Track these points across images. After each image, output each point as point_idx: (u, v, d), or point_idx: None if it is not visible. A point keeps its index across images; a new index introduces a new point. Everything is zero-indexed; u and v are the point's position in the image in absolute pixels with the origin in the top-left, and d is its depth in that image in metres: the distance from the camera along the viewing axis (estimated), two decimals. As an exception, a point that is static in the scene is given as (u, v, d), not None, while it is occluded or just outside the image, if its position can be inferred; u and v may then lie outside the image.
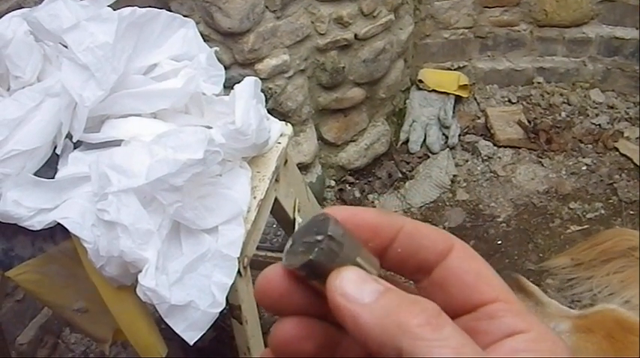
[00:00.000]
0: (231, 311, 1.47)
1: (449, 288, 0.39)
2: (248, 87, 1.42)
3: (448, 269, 0.39)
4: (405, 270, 0.41)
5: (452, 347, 0.32)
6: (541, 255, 2.87)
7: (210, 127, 1.41)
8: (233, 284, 1.32)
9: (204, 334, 1.30)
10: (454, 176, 3.29)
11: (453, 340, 0.33)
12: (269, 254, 2.00)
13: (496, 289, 0.38)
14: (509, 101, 3.63)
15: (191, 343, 1.28)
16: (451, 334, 0.33)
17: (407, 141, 3.45)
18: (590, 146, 3.38)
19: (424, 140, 3.44)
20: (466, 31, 3.58)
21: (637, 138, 3.37)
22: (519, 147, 3.40)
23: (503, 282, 0.39)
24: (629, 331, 1.63)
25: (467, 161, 3.38)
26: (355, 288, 0.35)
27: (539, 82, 3.67)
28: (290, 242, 0.39)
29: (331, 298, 0.36)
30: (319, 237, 0.37)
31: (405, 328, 0.33)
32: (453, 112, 3.51)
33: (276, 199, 1.58)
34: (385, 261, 0.40)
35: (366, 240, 0.40)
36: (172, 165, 1.20)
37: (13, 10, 1.50)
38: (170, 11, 1.56)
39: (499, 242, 2.96)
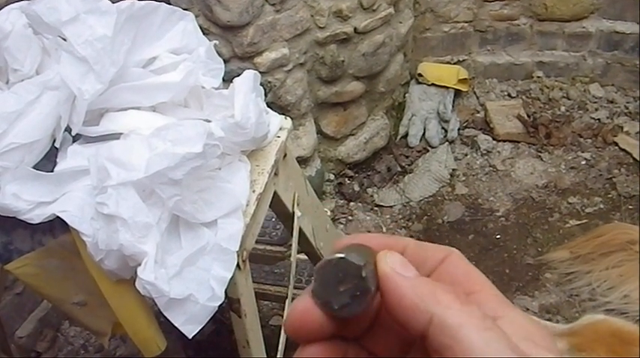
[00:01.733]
0: (230, 305, 1.47)
1: (443, 283, 0.43)
2: (247, 80, 1.42)
3: (443, 270, 0.45)
4: None
5: (477, 317, 0.38)
6: (540, 249, 2.87)
7: (210, 121, 1.41)
8: (232, 277, 1.31)
9: (202, 328, 1.30)
10: (453, 170, 3.29)
11: (478, 312, 0.39)
12: (268, 247, 2.00)
13: (482, 284, 0.44)
14: (509, 95, 3.63)
15: (190, 336, 1.28)
16: (476, 308, 0.39)
17: (406, 135, 3.46)
18: (589, 140, 3.39)
19: (423, 134, 3.44)
20: (466, 24, 3.58)
21: (636, 132, 3.37)
22: (518, 142, 3.40)
23: (488, 281, 0.45)
24: (629, 343, 1.62)
25: (466, 155, 3.38)
26: (401, 266, 0.43)
27: (538, 76, 3.67)
28: (316, 284, 0.44)
29: (381, 269, 0.43)
30: (353, 290, 0.43)
31: (440, 298, 0.39)
32: (453, 106, 3.51)
33: (275, 193, 1.58)
34: None
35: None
36: (171, 158, 1.20)
37: (12, 3, 1.50)
38: (169, 4, 1.55)
39: (498, 236, 2.96)
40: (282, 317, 1.75)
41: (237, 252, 1.31)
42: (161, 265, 1.24)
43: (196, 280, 1.27)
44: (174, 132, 1.26)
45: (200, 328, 1.29)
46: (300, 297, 0.45)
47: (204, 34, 1.61)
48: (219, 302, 1.29)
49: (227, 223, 1.32)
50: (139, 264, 1.22)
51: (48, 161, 1.39)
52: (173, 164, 1.20)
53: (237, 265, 1.33)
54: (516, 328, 0.40)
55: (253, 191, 1.43)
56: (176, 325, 1.26)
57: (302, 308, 0.44)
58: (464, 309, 0.39)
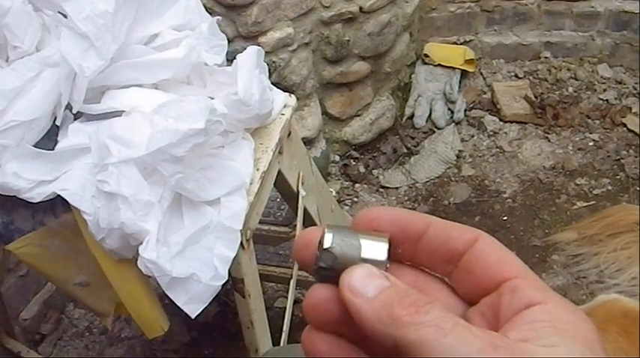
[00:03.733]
0: (233, 285, 1.46)
1: (474, 271, 0.42)
2: (251, 56, 1.40)
3: (473, 254, 0.42)
4: (436, 263, 0.44)
5: (434, 325, 0.36)
6: (547, 231, 2.85)
7: (213, 98, 1.39)
8: (236, 257, 1.30)
9: (205, 308, 1.28)
10: (460, 151, 3.27)
11: (437, 320, 0.36)
12: (272, 228, 1.99)
13: (516, 268, 0.41)
14: (516, 76, 3.60)
15: (192, 316, 1.27)
16: (436, 315, 0.37)
17: (412, 116, 3.43)
18: (597, 121, 3.35)
19: (429, 115, 3.41)
20: (473, 4, 3.53)
21: (645, 113, 3.34)
22: (526, 123, 3.37)
23: (525, 266, 0.42)
24: None
25: (473, 136, 3.35)
26: (361, 284, 0.40)
27: (546, 57, 3.63)
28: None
29: (341, 293, 0.40)
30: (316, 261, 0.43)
31: (397, 319, 0.37)
32: (459, 87, 3.48)
33: (279, 172, 1.56)
34: (417, 256, 0.44)
35: (396, 235, 0.44)
36: (173, 135, 1.18)
37: (11, -21, 1.47)
38: (171, -20, 1.53)
39: (505, 218, 2.94)
40: (287, 298, 1.74)
41: (240, 230, 1.30)
42: (163, 244, 1.22)
43: (199, 259, 1.26)
44: (176, 108, 1.24)
45: (203, 307, 1.28)
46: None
47: (207, 13, 1.59)
48: (223, 282, 1.28)
49: (230, 201, 1.30)
50: (141, 243, 1.21)
51: (49, 139, 1.37)
52: (175, 140, 1.18)
53: (241, 244, 1.32)
54: (551, 318, 0.38)
55: (257, 169, 1.42)
56: (178, 304, 1.25)
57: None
58: (421, 321, 0.37)
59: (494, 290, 0.41)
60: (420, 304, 0.37)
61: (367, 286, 0.39)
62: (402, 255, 0.45)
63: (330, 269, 0.42)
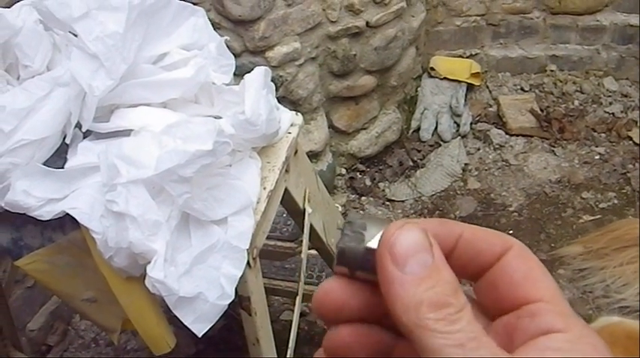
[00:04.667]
0: (240, 302, 1.46)
1: (498, 286, 0.39)
2: (258, 77, 1.41)
3: (500, 268, 0.40)
4: (466, 276, 0.41)
5: (454, 339, 0.34)
6: (553, 244, 2.86)
7: (220, 117, 1.40)
8: (242, 275, 1.31)
9: (212, 326, 1.29)
10: (465, 164, 3.28)
11: (460, 334, 0.34)
12: (279, 243, 2.00)
13: (542, 289, 0.39)
14: (522, 89, 3.61)
15: (199, 335, 1.28)
16: (462, 329, 0.34)
17: (418, 129, 3.44)
18: (603, 135, 3.36)
19: (435, 128, 3.43)
20: (478, 18, 3.55)
21: (651, 127, 3.34)
22: (531, 136, 3.38)
23: (553, 284, 0.39)
24: None
25: (478, 149, 3.36)
26: (405, 253, 0.37)
27: (552, 70, 3.64)
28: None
29: (380, 249, 0.37)
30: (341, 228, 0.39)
31: (421, 318, 0.35)
32: (465, 100, 3.49)
33: (286, 189, 1.57)
34: None
35: None
36: (181, 156, 1.19)
37: (23, -1, 1.50)
38: (180, -2, 1.55)
39: (510, 231, 2.95)
40: (293, 312, 1.75)
41: (247, 249, 1.31)
42: (171, 263, 1.23)
43: (206, 278, 1.27)
44: (185, 130, 1.26)
45: (210, 326, 1.28)
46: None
47: (215, 28, 1.60)
48: (229, 301, 1.29)
49: (237, 221, 1.31)
50: (149, 262, 1.22)
51: (58, 157, 1.38)
52: (183, 161, 1.20)
53: (248, 263, 1.33)
54: (567, 347, 0.36)
55: (264, 188, 1.43)
56: (186, 323, 1.26)
57: (329, 284, 0.41)
58: (444, 330, 0.34)
59: (514, 310, 0.39)
60: (451, 311, 0.35)
61: (409, 258, 0.36)
62: None
63: (357, 234, 0.39)
